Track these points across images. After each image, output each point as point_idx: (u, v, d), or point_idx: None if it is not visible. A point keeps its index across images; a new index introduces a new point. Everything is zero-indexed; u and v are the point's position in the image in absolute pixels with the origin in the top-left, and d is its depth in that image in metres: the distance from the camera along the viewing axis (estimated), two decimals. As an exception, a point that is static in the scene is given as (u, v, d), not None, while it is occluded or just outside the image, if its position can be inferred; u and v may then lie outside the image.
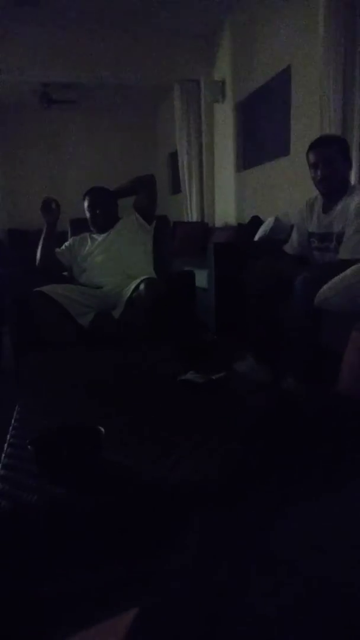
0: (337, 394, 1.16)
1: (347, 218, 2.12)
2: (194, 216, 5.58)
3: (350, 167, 2.25)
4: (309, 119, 3.36)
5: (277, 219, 3.21)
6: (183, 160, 5.60)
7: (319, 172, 2.18)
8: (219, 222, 5.21)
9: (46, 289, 2.29)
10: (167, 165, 7.38)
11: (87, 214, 2.61)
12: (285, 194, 3.76)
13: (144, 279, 2.29)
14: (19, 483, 0.83)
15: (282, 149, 3.81)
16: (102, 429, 0.89)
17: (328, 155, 2.16)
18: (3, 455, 0.93)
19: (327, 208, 2.24)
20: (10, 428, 1.06)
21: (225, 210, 5.13)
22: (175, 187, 6.52)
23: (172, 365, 1.39)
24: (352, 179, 2.84)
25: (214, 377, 1.25)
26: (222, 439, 0.94)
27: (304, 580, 0.24)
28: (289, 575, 0.24)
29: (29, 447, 0.86)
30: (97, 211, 2.57)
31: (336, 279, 1.98)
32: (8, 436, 1.01)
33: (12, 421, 1.09)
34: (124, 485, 0.83)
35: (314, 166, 2.20)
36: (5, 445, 0.98)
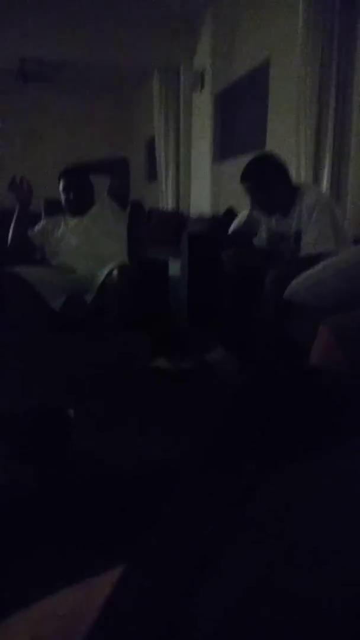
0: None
1: (302, 218, 2.22)
2: (169, 204, 5.57)
3: (284, 179, 2.33)
4: (286, 112, 3.40)
5: (250, 213, 3.24)
6: (160, 147, 5.57)
7: (258, 202, 2.35)
8: (194, 212, 5.22)
9: (18, 270, 2.26)
10: (145, 151, 7.32)
11: (62, 197, 2.58)
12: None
13: (117, 265, 2.29)
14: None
15: (258, 142, 3.84)
16: (72, 412, 0.91)
17: (263, 185, 2.29)
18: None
19: (284, 212, 2.33)
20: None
21: (201, 201, 5.14)
22: (152, 174, 6.48)
23: (143, 353, 1.41)
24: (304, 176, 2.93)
25: (183, 366, 1.28)
26: (192, 422, 0.96)
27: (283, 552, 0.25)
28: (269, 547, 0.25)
29: (-2, 427, 0.86)
30: (72, 195, 2.54)
31: (306, 273, 2.03)
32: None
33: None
34: (93, 467, 0.84)
35: (252, 197, 2.36)
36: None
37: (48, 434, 0.87)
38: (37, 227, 2.62)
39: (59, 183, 2.57)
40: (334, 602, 0.21)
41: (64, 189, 2.55)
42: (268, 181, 2.27)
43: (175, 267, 3.00)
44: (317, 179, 2.99)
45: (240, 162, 4.21)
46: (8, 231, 2.51)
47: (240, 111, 4.47)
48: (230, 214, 3.74)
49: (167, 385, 1.21)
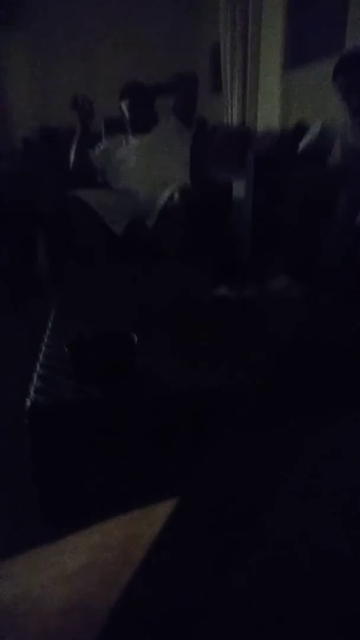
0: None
1: None
2: (234, 118, 5.25)
3: None
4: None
5: (323, 127, 2.99)
6: (225, 54, 5.16)
7: (352, 102, 1.99)
8: (261, 127, 4.90)
9: (82, 194, 2.25)
10: (209, 59, 6.81)
11: (125, 114, 2.47)
12: (336, 96, 3.46)
13: (178, 188, 2.22)
14: (56, 382, 0.88)
15: (336, 45, 3.45)
16: (135, 336, 0.92)
17: (349, 86, 1.99)
18: (41, 355, 0.98)
19: None
20: (47, 330, 1.10)
21: (269, 114, 4.79)
22: (217, 84, 6.06)
23: (205, 280, 1.39)
24: None
25: (246, 294, 1.25)
26: (252, 351, 0.95)
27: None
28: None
29: (65, 349, 0.89)
30: (136, 112, 2.43)
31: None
32: (45, 338, 1.05)
33: (49, 324, 1.13)
34: (155, 391, 0.86)
35: (346, 91, 2.00)
36: (43, 346, 1.02)
37: (113, 356, 0.90)
38: (99, 148, 2.56)
39: (121, 100, 2.46)
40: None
41: (129, 107, 2.44)
42: None
43: (240, 189, 2.87)
44: None
45: (314, 70, 3.85)
46: (69, 152, 2.47)
47: (316, 10, 3.99)
48: (301, 128, 3.46)
49: (229, 313, 1.20)
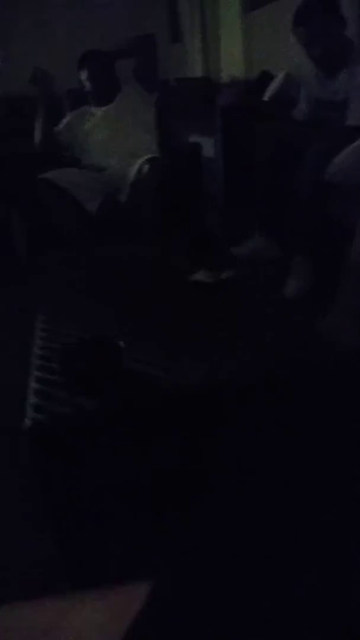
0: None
1: (353, 80, 1.95)
2: (197, 68, 5.05)
3: (342, 27, 1.97)
4: None
5: (287, 75, 2.91)
6: (183, 2, 4.90)
7: (315, 52, 1.95)
8: (225, 76, 4.72)
9: (52, 175, 2.23)
10: (165, 8, 6.42)
11: (85, 85, 2.41)
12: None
13: (146, 160, 2.20)
14: (52, 396, 0.92)
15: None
16: (122, 343, 0.96)
17: (322, 31, 1.90)
18: (34, 368, 1.01)
19: (331, 73, 2.04)
20: (38, 339, 1.12)
21: (232, 61, 4.60)
22: (176, 33, 5.77)
23: (183, 261, 1.41)
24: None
25: (223, 277, 1.28)
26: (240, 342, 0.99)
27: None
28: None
29: (55, 364, 0.94)
30: (97, 81, 2.37)
31: (350, 148, 1.88)
32: (36, 349, 1.08)
33: (39, 332, 1.15)
34: (145, 393, 0.91)
35: (308, 41, 1.95)
36: (33, 357, 1.05)
37: (101, 364, 0.94)
38: (63, 123, 2.50)
39: (80, 70, 2.38)
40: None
41: (89, 77, 2.37)
42: (328, 25, 1.91)
43: (209, 147, 2.82)
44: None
45: (280, 9, 3.67)
46: (30, 124, 2.39)
47: None
48: (265, 77, 3.36)
49: (208, 299, 1.24)
